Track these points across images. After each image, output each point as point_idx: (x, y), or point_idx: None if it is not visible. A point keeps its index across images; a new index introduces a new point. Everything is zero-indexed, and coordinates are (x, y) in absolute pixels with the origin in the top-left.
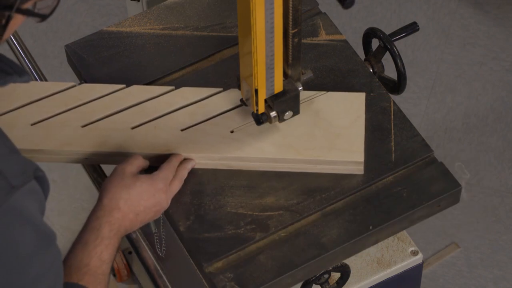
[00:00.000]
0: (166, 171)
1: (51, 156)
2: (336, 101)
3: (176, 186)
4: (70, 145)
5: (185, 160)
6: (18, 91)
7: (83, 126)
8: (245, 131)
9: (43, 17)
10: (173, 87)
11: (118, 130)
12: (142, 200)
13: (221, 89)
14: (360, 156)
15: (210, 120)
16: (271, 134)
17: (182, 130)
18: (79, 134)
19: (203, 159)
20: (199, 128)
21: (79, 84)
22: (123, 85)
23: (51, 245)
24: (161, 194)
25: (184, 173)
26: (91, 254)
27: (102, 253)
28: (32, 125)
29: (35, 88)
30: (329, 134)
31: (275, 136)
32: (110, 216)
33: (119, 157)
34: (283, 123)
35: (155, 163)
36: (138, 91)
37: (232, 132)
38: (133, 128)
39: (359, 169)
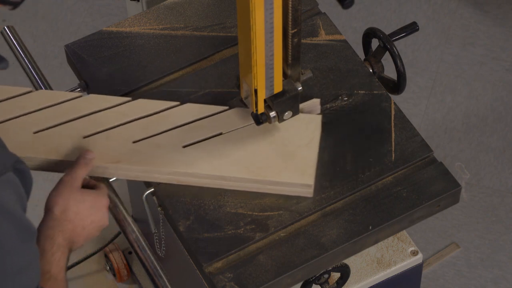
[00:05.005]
0: (106, 187)
1: None
2: (292, 121)
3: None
4: (22, 150)
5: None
6: None
7: (35, 133)
8: (198, 147)
9: (14, 5)
10: (130, 98)
11: (70, 138)
12: (90, 215)
13: (178, 103)
14: (310, 179)
15: (163, 134)
16: (224, 151)
17: (134, 142)
18: (31, 140)
19: (152, 173)
20: (151, 141)
21: (31, 91)
22: (80, 94)
23: (32, 241)
24: (105, 210)
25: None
26: (50, 261)
27: (59, 260)
28: None
29: None
30: (282, 155)
31: (228, 153)
32: (62, 226)
33: (67, 165)
34: (238, 141)
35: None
36: (96, 100)
37: (184, 147)
38: (85, 137)
39: (309, 192)
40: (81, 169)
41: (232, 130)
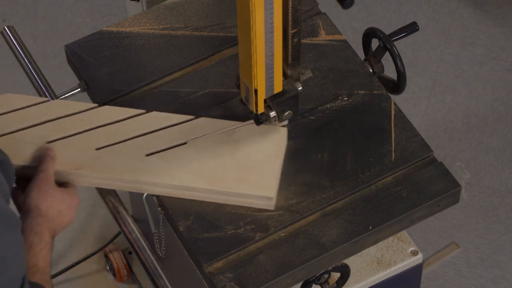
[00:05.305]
0: (76, 186)
1: None
2: (257, 133)
3: None
4: None
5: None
6: None
7: None
8: (161, 156)
9: None
10: (96, 105)
11: (33, 143)
12: (67, 214)
13: (144, 111)
14: (271, 192)
15: (127, 142)
16: (187, 161)
17: (97, 149)
18: None
19: (114, 181)
20: (114, 149)
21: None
22: (46, 99)
23: (16, 230)
24: (75, 209)
25: None
26: (38, 256)
27: (46, 256)
28: None
29: None
30: (245, 166)
31: (191, 163)
32: (49, 223)
33: (30, 170)
34: (202, 151)
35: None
36: (60, 106)
37: (147, 155)
38: (48, 142)
39: (270, 205)
40: (51, 165)
41: (195, 138)
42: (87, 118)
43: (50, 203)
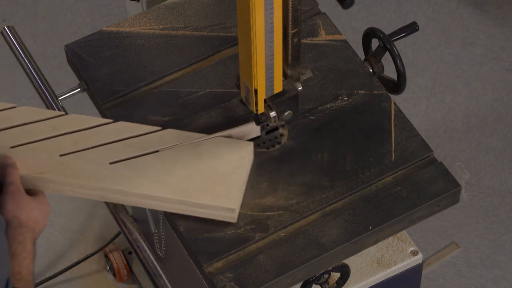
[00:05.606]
0: (44, 194)
1: None
2: (223, 147)
3: None
4: None
5: None
6: None
7: None
8: (125, 165)
9: None
10: (63, 113)
11: None
12: (42, 222)
13: (111, 120)
14: (233, 203)
15: (92, 149)
16: (152, 171)
17: (61, 155)
18: None
19: (76, 187)
20: (79, 156)
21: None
22: (14, 105)
23: (1, 232)
24: (48, 217)
25: None
26: (21, 264)
27: (29, 265)
28: None
29: None
30: (209, 178)
31: (156, 173)
32: (30, 232)
33: None
34: (167, 161)
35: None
36: (28, 113)
37: (111, 163)
38: (12, 147)
39: (232, 217)
40: (16, 175)
41: (162, 149)
42: (54, 125)
43: (28, 213)
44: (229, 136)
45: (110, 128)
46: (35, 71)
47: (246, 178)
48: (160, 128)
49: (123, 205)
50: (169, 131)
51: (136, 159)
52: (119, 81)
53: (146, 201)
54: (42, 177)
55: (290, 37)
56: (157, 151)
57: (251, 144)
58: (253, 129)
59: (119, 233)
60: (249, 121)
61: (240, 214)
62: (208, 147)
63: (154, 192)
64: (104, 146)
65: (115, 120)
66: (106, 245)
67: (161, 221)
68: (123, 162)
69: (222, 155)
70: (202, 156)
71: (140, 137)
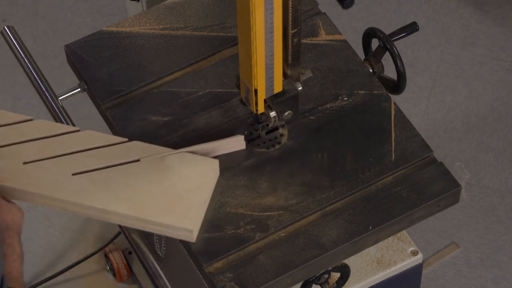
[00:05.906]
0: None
1: None
2: (188, 163)
3: None
4: None
5: None
6: None
7: None
8: (88, 176)
9: None
10: (31, 117)
11: None
12: (21, 227)
13: (78, 128)
14: (192, 224)
15: (56, 158)
16: (112, 184)
17: (24, 163)
18: None
19: (36, 197)
20: (42, 164)
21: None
22: None
23: None
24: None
25: None
26: (11, 266)
27: (18, 268)
28: None
29: None
30: (170, 195)
31: (115, 186)
32: (18, 236)
33: None
34: (129, 175)
35: None
36: None
37: (74, 174)
38: None
39: (191, 237)
40: None
41: (126, 163)
42: (20, 130)
43: (12, 217)
44: (195, 152)
45: (76, 137)
46: (35, 71)
47: (209, 197)
48: (127, 139)
49: None
50: (136, 143)
51: (99, 171)
52: (119, 81)
53: (106, 216)
54: (2, 186)
55: (290, 37)
56: (121, 164)
57: (216, 161)
58: (220, 146)
59: (119, 233)
60: (218, 138)
61: (240, 214)
62: (174, 163)
63: (111, 207)
64: (68, 155)
65: (115, 120)
66: (106, 245)
67: None
68: (86, 173)
69: (186, 172)
70: (167, 171)
71: (106, 148)
